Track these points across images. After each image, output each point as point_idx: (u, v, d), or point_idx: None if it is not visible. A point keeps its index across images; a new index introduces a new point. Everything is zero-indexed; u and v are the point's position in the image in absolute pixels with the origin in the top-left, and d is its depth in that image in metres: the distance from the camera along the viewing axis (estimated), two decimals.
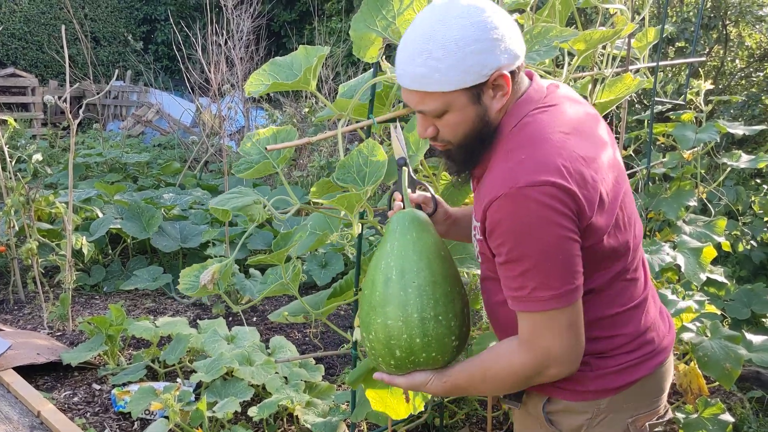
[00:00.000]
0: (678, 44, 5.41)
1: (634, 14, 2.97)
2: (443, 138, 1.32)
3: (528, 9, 2.45)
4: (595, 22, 2.71)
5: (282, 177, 1.84)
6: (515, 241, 1.20)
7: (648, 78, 3.14)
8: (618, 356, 1.35)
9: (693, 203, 3.10)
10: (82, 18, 12.24)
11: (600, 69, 2.69)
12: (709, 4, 5.17)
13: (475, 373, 1.34)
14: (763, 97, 5.18)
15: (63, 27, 3.76)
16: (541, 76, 2.36)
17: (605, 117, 2.75)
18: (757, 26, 5.01)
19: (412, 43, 1.24)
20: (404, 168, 1.49)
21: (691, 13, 5.26)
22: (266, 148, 1.69)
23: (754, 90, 5.28)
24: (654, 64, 3.15)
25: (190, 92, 6.78)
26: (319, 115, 2.10)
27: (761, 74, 5.34)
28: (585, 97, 2.53)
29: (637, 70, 3.11)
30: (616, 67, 2.91)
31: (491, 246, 1.26)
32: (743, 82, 5.69)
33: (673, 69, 5.28)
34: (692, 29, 5.06)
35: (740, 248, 4.61)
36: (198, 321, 3.25)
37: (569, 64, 2.30)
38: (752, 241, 4.67)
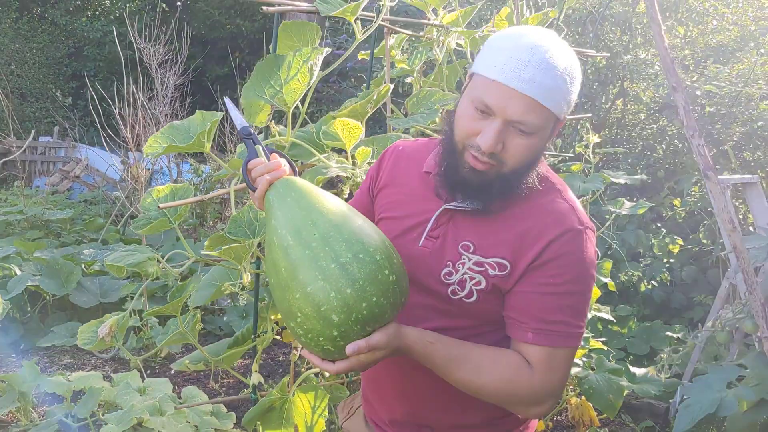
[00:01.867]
0: (579, 100, 5.81)
1: None
2: (503, 158, 1.22)
3: (415, 74, 2.69)
4: None
5: (179, 232, 1.98)
6: (574, 274, 1.24)
7: None
8: None
9: None
10: (8, 74, 12.15)
11: None
12: (604, 63, 5.60)
13: (469, 358, 1.23)
14: (657, 147, 5.60)
15: None
16: (428, 135, 2.60)
17: None
18: (645, 83, 5.44)
19: (544, 57, 1.17)
20: (251, 136, 1.40)
21: (589, 71, 5.67)
22: (159, 206, 1.83)
23: (649, 141, 5.70)
24: None
25: (118, 148, 6.84)
26: (218, 173, 2.26)
27: (655, 126, 5.78)
28: None
29: None
30: None
31: (537, 276, 1.24)
32: (644, 132, 6.14)
33: (575, 122, 5.66)
34: (589, 86, 5.47)
35: (642, 288, 4.94)
36: (112, 375, 3.30)
37: None
38: (653, 281, 5.00)
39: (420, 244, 1.34)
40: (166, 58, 6.59)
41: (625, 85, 5.78)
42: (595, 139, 3.77)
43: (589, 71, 5.67)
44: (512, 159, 1.21)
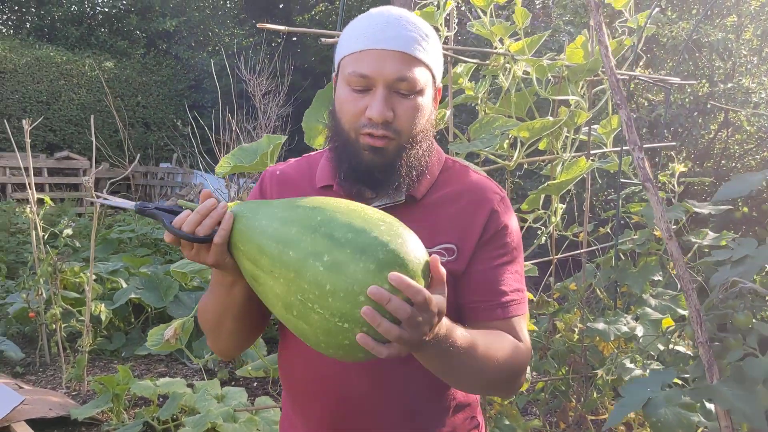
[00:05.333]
0: (676, 129, 5.64)
1: (593, 104, 3.24)
2: (397, 126, 1.20)
3: (479, 100, 2.76)
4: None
5: None
6: (515, 239, 1.26)
7: (614, 161, 3.38)
8: None
9: (659, 278, 3.26)
10: (135, 105, 13.15)
11: (560, 153, 2.95)
12: (704, 91, 5.42)
13: (479, 343, 1.09)
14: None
15: (92, 117, 4.25)
16: (493, 161, 2.65)
17: (565, 194, 3.00)
18: (744, 112, 5.22)
19: (399, 16, 1.20)
20: (149, 208, 1.15)
21: (687, 100, 5.50)
22: None
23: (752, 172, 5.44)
24: (618, 149, 3.40)
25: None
26: None
27: (758, 156, 5.51)
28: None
29: (604, 154, 3.37)
30: (592, 152, 3.17)
31: (487, 251, 1.22)
32: (752, 162, 5.87)
33: (660, 151, 5.50)
34: (686, 114, 5.30)
35: None
36: (195, 382, 3.51)
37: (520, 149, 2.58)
38: (754, 318, 4.74)
39: None
40: (269, 89, 6.97)
41: (729, 116, 5.56)
42: (680, 168, 3.68)
43: (687, 100, 5.50)
44: (405, 124, 1.17)
